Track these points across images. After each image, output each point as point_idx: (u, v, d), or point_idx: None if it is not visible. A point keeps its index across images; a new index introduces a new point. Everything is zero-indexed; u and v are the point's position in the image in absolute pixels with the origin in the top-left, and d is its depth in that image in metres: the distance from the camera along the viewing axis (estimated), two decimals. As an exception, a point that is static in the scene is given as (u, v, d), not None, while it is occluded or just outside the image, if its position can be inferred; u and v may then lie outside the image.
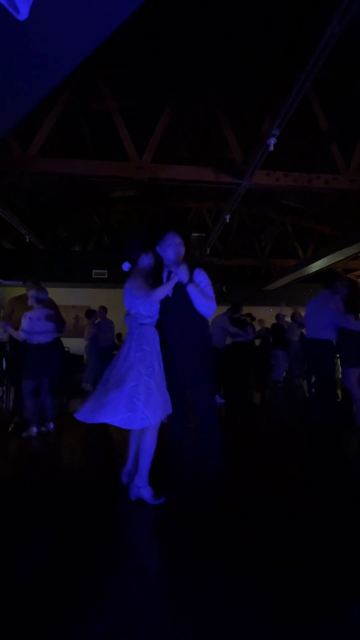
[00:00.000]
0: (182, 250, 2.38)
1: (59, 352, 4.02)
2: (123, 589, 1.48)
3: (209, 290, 2.34)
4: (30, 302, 3.71)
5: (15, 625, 1.30)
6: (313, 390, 3.96)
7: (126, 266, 2.40)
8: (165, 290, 2.20)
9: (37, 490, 2.47)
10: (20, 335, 3.62)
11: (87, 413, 2.08)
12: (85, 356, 10.31)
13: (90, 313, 6.86)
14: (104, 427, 4.31)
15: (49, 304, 3.95)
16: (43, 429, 3.73)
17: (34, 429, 3.64)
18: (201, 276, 2.34)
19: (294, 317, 7.20)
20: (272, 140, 4.00)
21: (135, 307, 2.27)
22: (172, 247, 2.34)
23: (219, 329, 5.86)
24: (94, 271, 9.92)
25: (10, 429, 3.85)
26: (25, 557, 1.71)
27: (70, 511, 2.15)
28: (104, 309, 6.66)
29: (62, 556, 1.72)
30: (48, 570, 1.61)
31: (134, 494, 2.16)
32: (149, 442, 2.16)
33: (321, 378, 3.77)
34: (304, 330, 7.66)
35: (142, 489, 2.15)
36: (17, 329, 3.68)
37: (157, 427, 2.16)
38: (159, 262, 2.45)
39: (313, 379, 4.62)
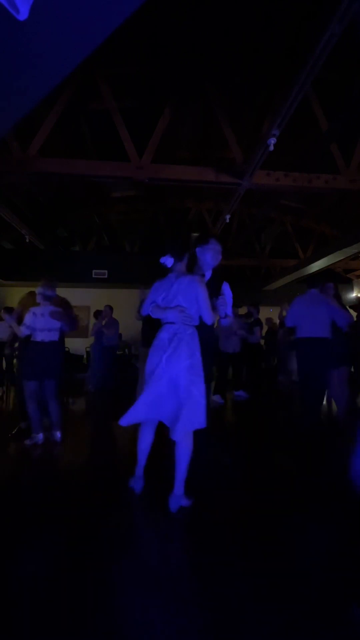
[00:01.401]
0: (219, 259, 2.46)
1: (62, 352, 3.78)
2: (125, 595, 1.48)
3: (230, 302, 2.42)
4: (38, 298, 3.61)
5: (17, 626, 1.30)
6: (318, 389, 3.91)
7: (169, 261, 2.30)
8: (215, 316, 2.29)
9: (39, 497, 2.47)
10: (22, 330, 3.47)
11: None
12: (85, 356, 10.34)
13: (98, 313, 6.92)
14: (109, 430, 4.26)
15: (60, 302, 3.87)
16: (41, 436, 3.42)
17: (40, 436, 3.39)
18: (229, 291, 2.45)
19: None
20: (272, 140, 4.00)
21: (192, 311, 2.22)
22: (212, 253, 2.42)
23: (228, 332, 5.92)
24: (94, 271, 9.92)
25: (12, 433, 3.66)
26: (29, 560, 1.72)
27: (74, 517, 2.15)
28: (110, 308, 6.68)
29: (65, 561, 1.72)
30: (51, 574, 1.62)
31: (174, 504, 2.09)
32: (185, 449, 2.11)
33: (323, 377, 3.72)
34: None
35: (184, 499, 2.12)
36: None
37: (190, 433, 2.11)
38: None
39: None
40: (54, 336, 3.57)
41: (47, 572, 1.60)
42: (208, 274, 2.46)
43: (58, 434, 3.50)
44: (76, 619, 1.33)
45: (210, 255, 2.42)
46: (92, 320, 7.21)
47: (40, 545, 1.81)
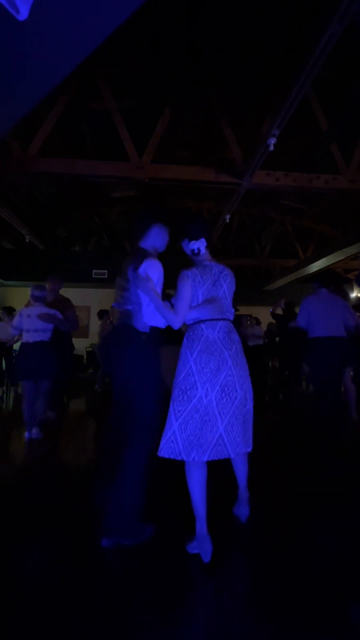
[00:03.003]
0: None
1: (56, 352, 3.70)
2: (127, 595, 1.48)
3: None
4: (30, 299, 3.68)
5: (17, 627, 1.30)
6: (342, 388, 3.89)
7: (203, 246, 1.87)
8: None
9: (39, 496, 2.47)
10: (10, 332, 3.56)
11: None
12: (85, 355, 10.35)
13: (103, 313, 6.95)
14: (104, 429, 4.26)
15: (59, 301, 3.88)
16: (27, 435, 3.49)
17: (27, 433, 3.49)
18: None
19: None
20: (272, 140, 4.00)
21: None
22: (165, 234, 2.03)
23: None
24: (94, 271, 9.94)
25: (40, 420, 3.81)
26: (28, 560, 1.72)
27: (74, 517, 2.15)
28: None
29: (65, 561, 1.72)
30: (51, 574, 1.62)
31: (244, 511, 1.98)
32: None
33: (341, 376, 3.71)
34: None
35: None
36: None
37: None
38: None
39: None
40: (42, 337, 3.56)
41: (46, 572, 1.60)
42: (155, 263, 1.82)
43: (35, 432, 3.50)
44: (76, 619, 1.33)
45: (164, 238, 1.97)
46: (96, 321, 7.23)
47: (40, 545, 1.81)
